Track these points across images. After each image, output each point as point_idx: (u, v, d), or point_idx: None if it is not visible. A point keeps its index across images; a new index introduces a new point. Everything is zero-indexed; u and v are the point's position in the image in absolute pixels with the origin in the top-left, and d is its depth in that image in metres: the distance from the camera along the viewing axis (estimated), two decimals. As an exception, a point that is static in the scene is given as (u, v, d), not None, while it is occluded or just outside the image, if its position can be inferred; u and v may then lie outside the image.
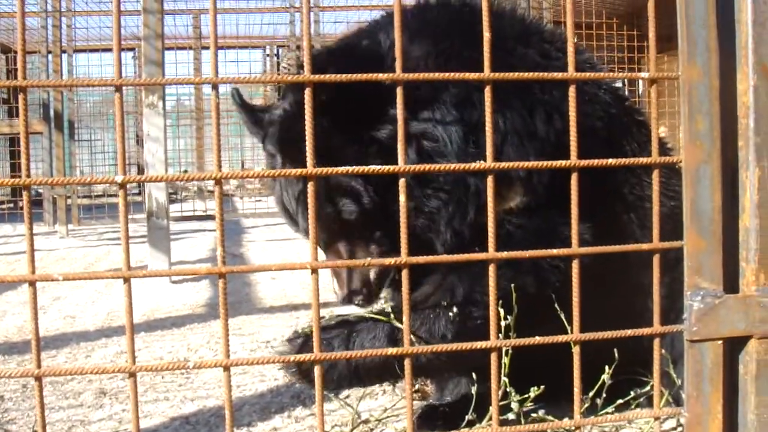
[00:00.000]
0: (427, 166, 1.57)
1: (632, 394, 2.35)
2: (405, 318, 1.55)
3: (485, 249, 1.54)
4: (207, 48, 12.01)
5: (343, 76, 1.50)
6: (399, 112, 1.50)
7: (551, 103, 2.30)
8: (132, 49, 12.50)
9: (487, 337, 1.59)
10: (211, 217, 11.03)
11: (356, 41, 2.49)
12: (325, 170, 1.49)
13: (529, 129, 2.28)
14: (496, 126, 2.18)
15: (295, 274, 5.81)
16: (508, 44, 2.37)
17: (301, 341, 2.27)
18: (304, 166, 1.47)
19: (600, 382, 2.27)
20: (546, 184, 2.29)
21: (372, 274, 2.42)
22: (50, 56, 9.89)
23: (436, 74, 1.55)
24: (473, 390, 2.32)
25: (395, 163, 1.51)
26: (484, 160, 1.56)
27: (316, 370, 1.52)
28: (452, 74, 1.55)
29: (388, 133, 2.26)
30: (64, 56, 10.07)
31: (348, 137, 2.30)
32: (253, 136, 2.71)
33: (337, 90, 2.15)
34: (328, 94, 2.15)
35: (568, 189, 1.59)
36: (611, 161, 1.64)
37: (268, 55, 13.94)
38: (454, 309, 2.22)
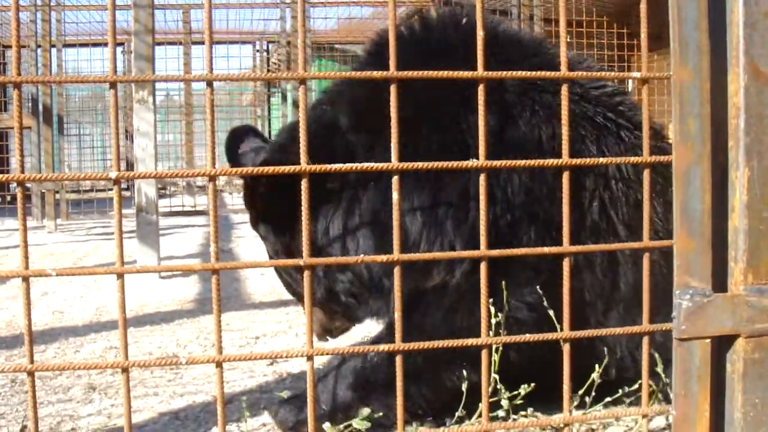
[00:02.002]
0: (421, 164, 1.58)
1: (620, 392, 2.36)
2: (397, 315, 1.56)
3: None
4: (197, 43, 12.00)
5: (335, 74, 1.50)
6: (392, 108, 1.51)
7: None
8: (121, 44, 12.46)
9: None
10: (199, 213, 11.02)
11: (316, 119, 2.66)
12: (320, 167, 1.50)
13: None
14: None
15: (284, 270, 5.81)
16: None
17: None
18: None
19: (589, 381, 2.29)
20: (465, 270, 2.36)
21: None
22: (39, 50, 9.85)
23: (431, 72, 1.56)
24: (463, 387, 2.33)
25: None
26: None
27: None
28: (446, 72, 1.56)
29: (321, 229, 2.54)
30: (54, 51, 10.02)
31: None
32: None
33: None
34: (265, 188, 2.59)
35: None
36: (602, 160, 1.66)
37: (258, 51, 13.93)
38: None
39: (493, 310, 2.10)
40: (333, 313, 2.78)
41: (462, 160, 1.59)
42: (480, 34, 1.53)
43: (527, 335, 1.67)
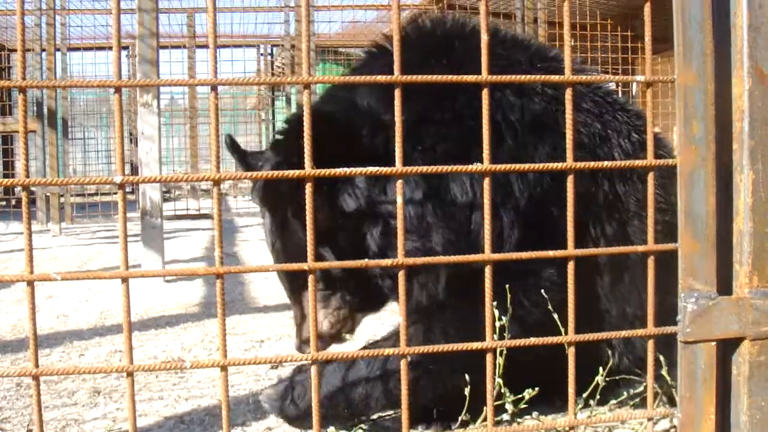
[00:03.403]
0: (426, 168, 1.58)
1: (625, 394, 2.36)
2: (402, 318, 1.56)
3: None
4: (201, 47, 12.03)
5: (339, 79, 1.50)
6: (397, 113, 1.51)
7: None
8: (126, 48, 12.49)
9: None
10: (204, 216, 11.03)
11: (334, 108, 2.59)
12: (324, 171, 1.50)
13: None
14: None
15: (288, 274, 5.82)
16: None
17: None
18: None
19: (594, 383, 2.29)
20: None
21: (326, 325, 2.65)
22: (44, 54, 9.87)
23: (437, 76, 1.56)
24: (467, 391, 2.33)
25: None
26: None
27: (313, 370, 1.53)
28: (452, 76, 1.56)
29: (354, 203, 2.41)
30: (58, 54, 10.04)
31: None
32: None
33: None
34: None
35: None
36: (606, 164, 1.65)
37: (262, 54, 13.94)
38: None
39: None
40: (338, 309, 2.67)
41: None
42: (484, 38, 1.53)
43: (532, 339, 1.67)
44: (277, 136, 2.69)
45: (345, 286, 2.58)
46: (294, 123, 2.59)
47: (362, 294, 2.59)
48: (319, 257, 2.29)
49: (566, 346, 1.67)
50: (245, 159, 2.70)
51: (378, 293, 2.56)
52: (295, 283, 2.67)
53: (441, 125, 2.38)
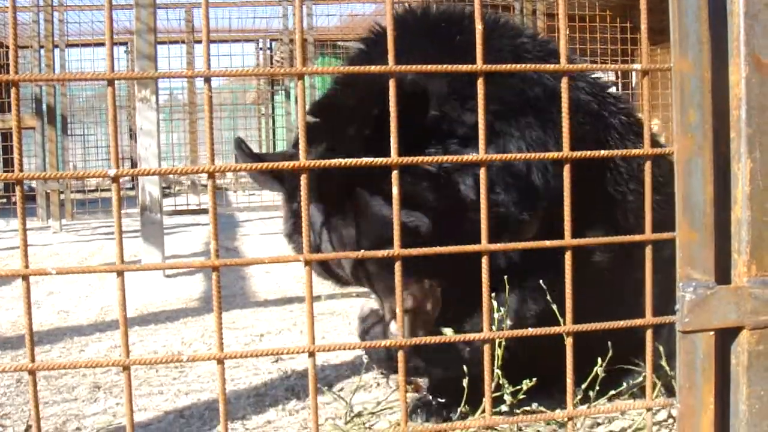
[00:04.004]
0: (419, 159, 1.57)
1: (624, 385, 2.36)
2: (398, 311, 1.56)
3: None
4: (200, 42, 11.99)
5: (330, 68, 1.49)
6: (392, 105, 1.50)
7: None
8: (125, 44, 12.47)
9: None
10: (204, 211, 11.01)
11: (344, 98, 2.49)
12: (319, 162, 1.49)
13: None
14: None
15: (289, 267, 5.82)
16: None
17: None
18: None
19: (593, 374, 2.29)
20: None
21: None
22: (42, 51, 9.86)
23: (428, 66, 1.55)
24: (465, 383, 2.33)
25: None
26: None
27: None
28: (445, 66, 1.56)
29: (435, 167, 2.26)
30: (57, 51, 10.02)
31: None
32: (272, 190, 2.69)
33: (376, 126, 2.11)
34: (370, 129, 2.17)
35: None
36: (604, 153, 1.65)
37: (261, 49, 13.91)
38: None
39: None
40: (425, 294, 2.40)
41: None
42: (479, 27, 1.53)
43: (530, 329, 1.66)
44: (309, 121, 2.46)
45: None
46: (337, 109, 2.47)
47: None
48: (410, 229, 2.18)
49: (564, 336, 1.66)
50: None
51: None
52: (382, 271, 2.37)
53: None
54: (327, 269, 2.50)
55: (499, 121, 2.31)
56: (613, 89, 2.80)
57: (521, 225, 2.32)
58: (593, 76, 2.73)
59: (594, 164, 2.33)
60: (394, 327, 2.36)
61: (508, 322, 2.32)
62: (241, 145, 2.48)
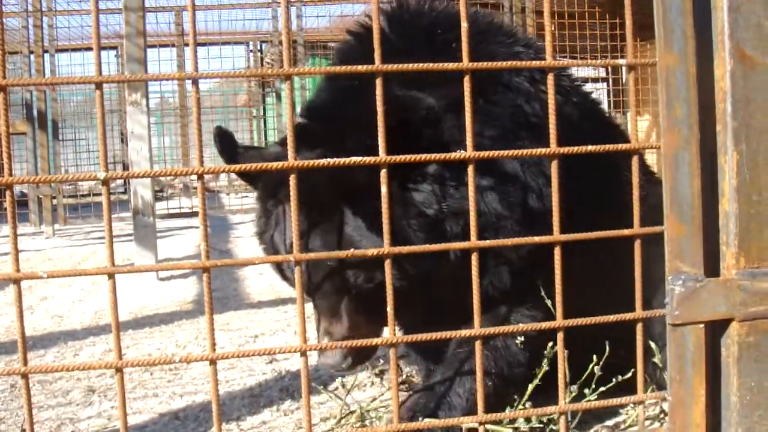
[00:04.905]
0: (411, 157, 1.58)
1: (613, 381, 2.36)
2: (389, 308, 1.57)
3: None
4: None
5: (318, 69, 1.50)
6: (378, 102, 1.51)
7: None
8: (114, 48, 12.45)
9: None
10: (197, 214, 10.99)
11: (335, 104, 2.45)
12: (307, 163, 1.50)
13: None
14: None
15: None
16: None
17: None
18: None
19: (588, 371, 2.29)
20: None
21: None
22: (32, 56, 9.83)
23: (417, 65, 1.56)
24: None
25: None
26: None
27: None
28: (429, 64, 1.57)
29: (427, 196, 2.20)
30: (47, 56, 10.00)
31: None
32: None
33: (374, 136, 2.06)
34: (370, 139, 2.09)
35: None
36: (591, 147, 1.66)
37: (251, 51, 13.91)
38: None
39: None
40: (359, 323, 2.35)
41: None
42: (464, 25, 1.53)
43: (521, 325, 1.67)
44: (304, 123, 2.43)
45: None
46: (330, 111, 2.42)
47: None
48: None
49: (556, 331, 1.67)
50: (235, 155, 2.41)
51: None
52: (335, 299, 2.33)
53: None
54: (284, 277, 2.49)
55: (496, 145, 2.27)
56: (604, 106, 2.82)
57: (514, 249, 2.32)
58: (584, 89, 2.75)
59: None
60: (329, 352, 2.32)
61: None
62: (219, 137, 2.35)
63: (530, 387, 2.31)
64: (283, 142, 2.44)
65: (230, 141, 2.41)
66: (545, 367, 2.23)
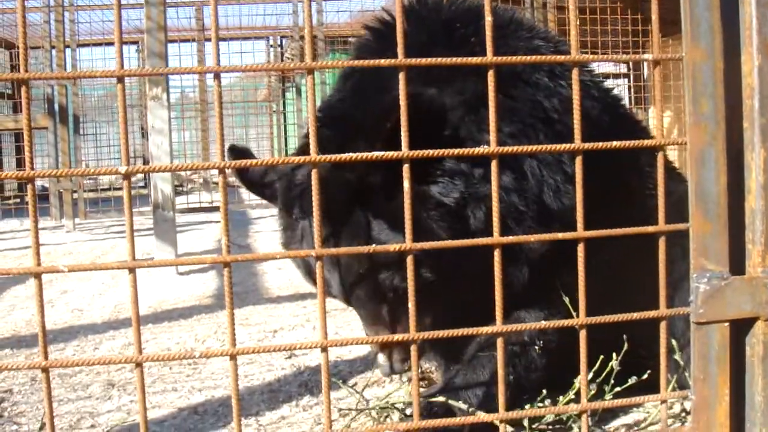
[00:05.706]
0: (433, 151, 1.56)
1: (633, 379, 2.34)
2: (411, 305, 1.56)
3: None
4: (210, 40, 12.01)
5: (339, 62, 1.49)
6: (402, 96, 1.50)
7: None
8: (135, 43, 12.51)
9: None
10: (217, 209, 11.03)
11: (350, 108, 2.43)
12: (327, 157, 1.49)
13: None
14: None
15: (301, 264, 5.82)
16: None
17: None
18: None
19: (608, 369, 2.27)
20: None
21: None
22: (54, 51, 9.88)
23: (439, 59, 1.55)
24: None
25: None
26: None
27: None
28: (455, 59, 1.55)
29: (444, 186, 2.20)
30: (68, 51, 10.05)
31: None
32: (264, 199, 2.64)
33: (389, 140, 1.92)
34: (382, 144, 1.97)
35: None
36: (615, 144, 1.63)
37: (271, 46, 13.93)
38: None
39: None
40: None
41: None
42: (488, 19, 1.52)
43: (542, 322, 1.66)
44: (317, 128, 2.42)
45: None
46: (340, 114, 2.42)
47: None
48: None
49: (578, 329, 1.65)
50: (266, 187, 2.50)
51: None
52: (378, 305, 2.34)
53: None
54: (315, 283, 2.44)
55: (514, 141, 2.27)
56: (625, 102, 2.79)
57: (533, 248, 2.30)
58: (605, 85, 2.72)
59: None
60: (381, 358, 2.38)
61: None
62: (233, 154, 2.38)
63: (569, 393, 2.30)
64: (298, 153, 2.48)
65: (246, 158, 2.40)
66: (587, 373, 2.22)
